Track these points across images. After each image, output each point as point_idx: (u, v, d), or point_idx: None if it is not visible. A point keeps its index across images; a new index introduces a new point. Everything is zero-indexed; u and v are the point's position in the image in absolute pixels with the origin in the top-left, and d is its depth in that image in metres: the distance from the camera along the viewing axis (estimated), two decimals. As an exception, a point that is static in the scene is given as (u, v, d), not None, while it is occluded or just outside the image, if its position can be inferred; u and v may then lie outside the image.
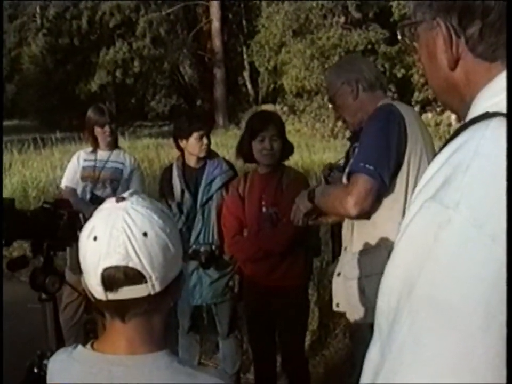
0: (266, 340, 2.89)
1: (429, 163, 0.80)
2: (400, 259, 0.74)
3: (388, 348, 0.70)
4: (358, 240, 2.15)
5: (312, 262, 2.95)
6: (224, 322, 3.09)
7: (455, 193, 0.68)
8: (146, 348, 1.08)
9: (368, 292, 2.06)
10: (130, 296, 1.04)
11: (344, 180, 2.10)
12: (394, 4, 15.16)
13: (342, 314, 2.42)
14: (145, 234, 1.03)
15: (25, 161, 9.70)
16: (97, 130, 3.43)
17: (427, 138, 2.15)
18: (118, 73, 20.89)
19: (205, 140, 2.98)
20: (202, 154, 3.01)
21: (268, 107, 16.59)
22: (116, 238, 1.02)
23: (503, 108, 0.73)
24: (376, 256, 2.04)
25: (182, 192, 3.02)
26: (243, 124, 6.64)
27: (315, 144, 12.95)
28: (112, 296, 1.04)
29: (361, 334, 2.07)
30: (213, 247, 2.95)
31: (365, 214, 2.03)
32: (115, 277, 1.03)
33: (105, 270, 1.03)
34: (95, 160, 3.45)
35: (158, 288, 1.05)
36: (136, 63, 20.83)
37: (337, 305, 2.25)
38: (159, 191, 3.19)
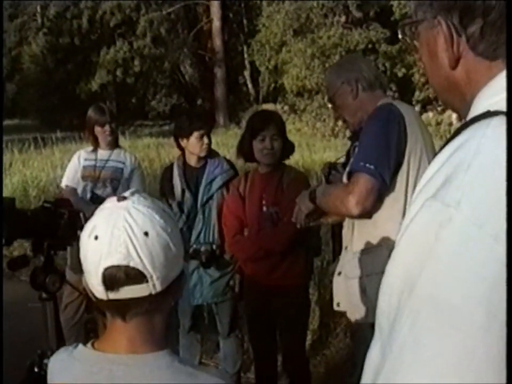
0: (267, 339, 2.89)
1: (429, 162, 0.80)
2: (401, 258, 0.73)
3: (389, 347, 0.70)
4: (359, 240, 2.15)
5: (312, 261, 2.95)
6: (225, 321, 3.09)
7: (456, 192, 0.68)
8: (147, 347, 1.08)
9: (369, 291, 2.06)
10: (131, 296, 1.04)
11: (345, 179, 2.10)
12: (395, 3, 15.14)
13: (342, 314, 2.42)
14: (146, 233, 1.03)
15: (25, 160, 9.70)
16: (98, 129, 3.42)
17: (427, 137, 2.15)
18: (118, 73, 20.89)
19: (205, 139, 2.98)
20: (203, 154, 3.01)
21: (269, 106, 16.60)
22: (117, 237, 1.02)
23: (504, 107, 0.73)
24: (377, 255, 2.04)
25: (183, 191, 3.02)
26: (244, 123, 6.64)
27: (316, 144, 12.92)
28: (113, 295, 1.04)
29: (362, 333, 2.07)
30: (214, 247, 2.95)
31: (367, 213, 2.03)
32: (116, 277, 1.02)
33: (106, 269, 1.02)
34: (96, 159, 3.44)
35: (159, 288, 1.05)
36: (136, 63, 20.84)
37: (338, 304, 2.25)
38: (159, 190, 3.19)
